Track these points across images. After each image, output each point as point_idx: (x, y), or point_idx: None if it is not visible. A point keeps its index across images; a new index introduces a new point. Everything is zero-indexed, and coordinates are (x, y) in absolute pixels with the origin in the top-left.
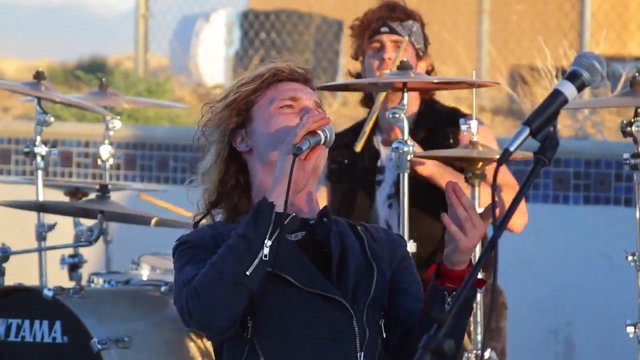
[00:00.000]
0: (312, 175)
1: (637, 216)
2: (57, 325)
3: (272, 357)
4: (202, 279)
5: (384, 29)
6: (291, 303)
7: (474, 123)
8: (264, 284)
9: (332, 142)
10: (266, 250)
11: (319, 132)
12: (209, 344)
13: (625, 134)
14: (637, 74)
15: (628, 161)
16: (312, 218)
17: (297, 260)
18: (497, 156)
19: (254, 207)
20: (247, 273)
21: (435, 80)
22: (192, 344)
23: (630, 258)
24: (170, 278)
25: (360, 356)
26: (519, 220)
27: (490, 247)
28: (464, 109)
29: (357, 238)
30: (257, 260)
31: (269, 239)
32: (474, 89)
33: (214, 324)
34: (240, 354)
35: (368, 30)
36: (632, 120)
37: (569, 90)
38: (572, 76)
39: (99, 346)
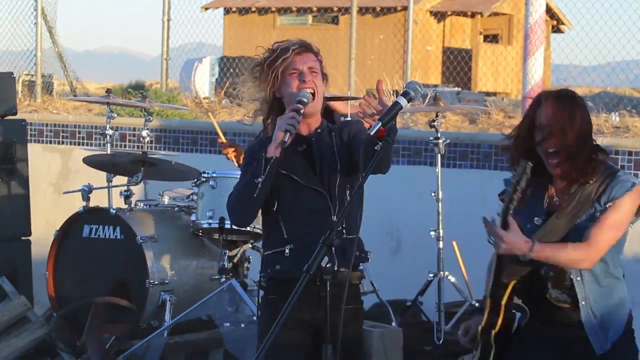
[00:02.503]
0: (310, 115)
1: (438, 171)
2: (117, 229)
3: (286, 222)
4: (231, 196)
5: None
6: (296, 191)
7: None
8: (278, 182)
9: (315, 98)
10: (262, 178)
11: (306, 93)
12: (202, 239)
13: (430, 126)
14: (436, 94)
15: (432, 141)
16: (313, 135)
17: (300, 164)
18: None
19: (258, 157)
20: (254, 195)
21: (331, 96)
22: (192, 240)
23: (433, 195)
24: (180, 203)
25: (334, 218)
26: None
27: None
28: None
29: (330, 139)
30: (259, 186)
31: (263, 173)
32: (349, 101)
33: (238, 224)
34: (270, 222)
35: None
36: (434, 119)
37: (403, 101)
38: (405, 94)
39: (140, 241)
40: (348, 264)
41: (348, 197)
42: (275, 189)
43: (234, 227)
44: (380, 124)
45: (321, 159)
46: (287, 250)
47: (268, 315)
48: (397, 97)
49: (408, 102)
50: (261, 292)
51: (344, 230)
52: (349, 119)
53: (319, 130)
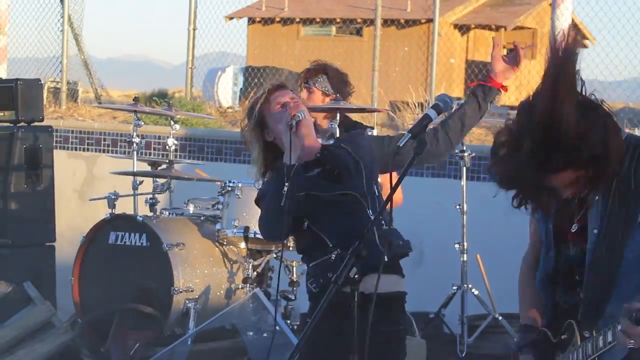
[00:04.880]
0: (306, 136)
1: (463, 184)
2: (144, 236)
3: (325, 232)
4: (261, 215)
5: (303, 84)
6: (324, 205)
7: (375, 131)
8: (304, 206)
9: (304, 117)
10: (285, 188)
11: (298, 113)
12: (228, 249)
13: None
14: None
15: (457, 154)
16: (316, 155)
17: (318, 182)
18: None
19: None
20: (280, 204)
21: (355, 107)
22: (216, 248)
23: (458, 207)
24: (205, 212)
25: (369, 212)
26: (400, 195)
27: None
28: (365, 123)
29: (345, 151)
30: (285, 191)
31: (287, 181)
32: (375, 113)
33: (272, 237)
34: (306, 236)
35: (302, 81)
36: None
37: (433, 114)
38: (435, 106)
39: (166, 248)
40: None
41: (376, 192)
42: (303, 210)
43: (257, 236)
44: (410, 135)
45: (339, 165)
46: (333, 257)
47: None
48: (427, 109)
49: (438, 115)
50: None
51: (383, 222)
52: (362, 130)
53: (325, 151)
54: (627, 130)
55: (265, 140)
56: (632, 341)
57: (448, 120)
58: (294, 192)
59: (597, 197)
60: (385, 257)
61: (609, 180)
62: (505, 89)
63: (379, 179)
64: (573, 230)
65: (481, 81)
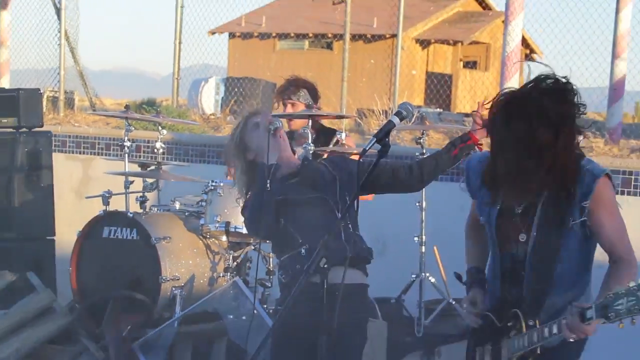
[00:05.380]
0: (282, 144)
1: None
2: (134, 230)
3: (297, 230)
4: (246, 213)
5: (287, 99)
6: (299, 206)
7: (343, 134)
8: (281, 208)
9: (281, 126)
10: (269, 182)
11: (276, 121)
12: (210, 242)
13: (417, 143)
14: (422, 114)
15: (417, 157)
16: (296, 168)
17: (295, 188)
18: (356, 151)
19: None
20: (261, 201)
21: (324, 114)
22: (200, 241)
23: (417, 204)
24: (190, 208)
25: (338, 215)
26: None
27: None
28: (335, 128)
29: (323, 167)
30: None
31: (269, 178)
32: (343, 120)
33: (257, 233)
34: (281, 234)
35: (281, 97)
36: (420, 136)
37: (396, 120)
38: (398, 113)
39: (155, 241)
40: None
41: (348, 200)
42: (279, 212)
43: (238, 230)
44: (375, 139)
45: (317, 175)
46: (303, 251)
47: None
48: (390, 116)
49: (400, 121)
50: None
51: (349, 225)
52: (341, 146)
53: (305, 163)
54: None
55: (247, 159)
56: (574, 335)
57: (425, 159)
58: (274, 194)
59: (538, 207)
60: (349, 252)
61: (553, 190)
62: (480, 147)
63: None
64: (522, 240)
65: (463, 136)
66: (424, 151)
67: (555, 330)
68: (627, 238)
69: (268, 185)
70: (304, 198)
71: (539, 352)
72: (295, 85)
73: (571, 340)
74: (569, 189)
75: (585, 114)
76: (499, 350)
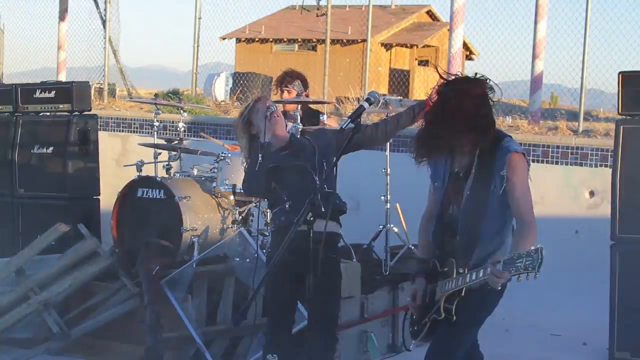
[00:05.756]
0: (277, 124)
1: (387, 154)
2: (162, 191)
3: (284, 190)
4: (244, 179)
5: (284, 87)
6: (287, 172)
7: (325, 116)
8: (273, 174)
9: (276, 110)
10: (260, 158)
11: (271, 106)
12: (221, 200)
13: None
14: (386, 101)
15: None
16: (286, 142)
17: (285, 158)
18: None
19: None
20: (255, 169)
21: (312, 100)
22: (213, 200)
23: (383, 170)
24: (205, 174)
25: (316, 179)
26: None
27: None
28: (320, 110)
29: (307, 141)
30: (260, 160)
31: (260, 152)
32: (325, 105)
33: (251, 193)
34: (273, 194)
35: (279, 85)
36: (385, 118)
37: (366, 105)
38: (367, 100)
39: (177, 199)
40: (328, 211)
41: (325, 167)
42: (271, 177)
43: (242, 191)
44: (349, 120)
45: (302, 148)
46: (287, 206)
47: (275, 251)
48: (361, 101)
49: (369, 105)
50: (269, 237)
51: (325, 186)
52: (322, 125)
53: (292, 139)
54: (499, 120)
55: (251, 134)
56: (498, 281)
57: (389, 118)
58: (267, 164)
59: (470, 173)
60: (323, 208)
61: (478, 161)
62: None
63: None
64: (456, 198)
65: (421, 103)
66: None
67: (474, 277)
68: (530, 203)
69: (260, 158)
70: (290, 166)
71: (462, 294)
72: (291, 76)
73: (499, 288)
74: (487, 164)
75: (494, 100)
76: (434, 289)
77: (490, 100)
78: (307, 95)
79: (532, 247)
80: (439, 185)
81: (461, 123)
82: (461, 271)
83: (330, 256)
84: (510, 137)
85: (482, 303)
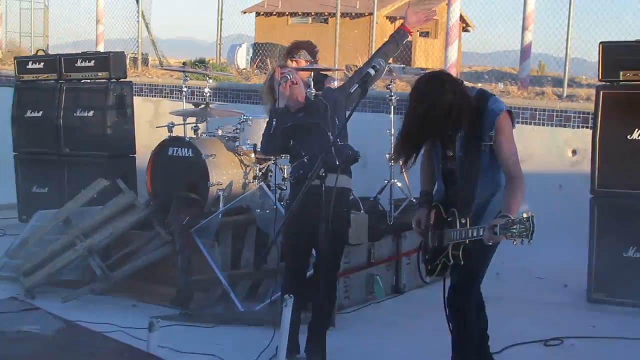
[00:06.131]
0: (291, 89)
1: (391, 117)
2: (190, 150)
3: (302, 146)
4: (262, 141)
5: (290, 58)
6: (303, 131)
7: (335, 82)
8: (291, 132)
9: (291, 78)
10: (274, 122)
11: (287, 74)
12: (243, 157)
13: (387, 88)
14: (390, 68)
15: (388, 98)
16: (302, 105)
17: (301, 119)
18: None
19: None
20: (270, 132)
21: (323, 67)
22: (236, 157)
23: (387, 131)
24: (229, 134)
25: (330, 135)
26: None
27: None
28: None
29: (320, 101)
30: (274, 124)
31: (275, 118)
32: (335, 71)
33: (267, 154)
34: (293, 150)
35: (287, 57)
36: (389, 83)
37: (372, 71)
38: (373, 67)
39: (204, 157)
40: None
41: (337, 121)
42: (290, 135)
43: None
44: (357, 85)
45: (316, 108)
46: (305, 160)
47: (293, 200)
48: (368, 68)
49: (374, 72)
50: (286, 191)
51: (338, 140)
52: (329, 87)
53: (307, 101)
54: (492, 86)
55: (274, 99)
56: (491, 241)
57: (375, 54)
58: (282, 126)
59: (459, 135)
60: (337, 161)
61: (464, 124)
62: (411, 34)
63: None
64: (449, 155)
65: (399, 27)
66: (392, 94)
67: (475, 234)
68: (516, 159)
69: (274, 122)
70: (306, 125)
71: (467, 242)
72: (296, 47)
73: (490, 243)
74: (476, 125)
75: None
76: (442, 234)
77: (460, 91)
78: (316, 62)
79: (525, 215)
80: (435, 148)
81: (435, 125)
82: (463, 221)
83: (341, 210)
84: (494, 96)
85: (484, 250)
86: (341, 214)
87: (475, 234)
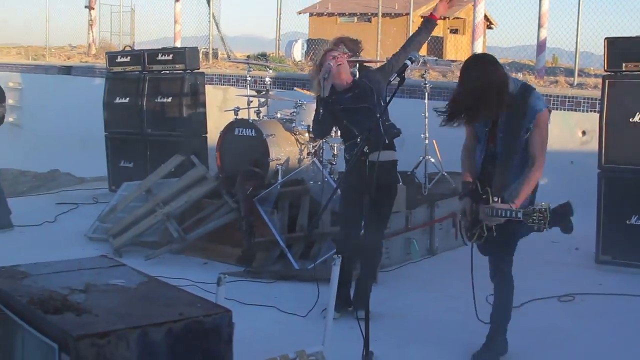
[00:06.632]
0: (338, 69)
1: (426, 102)
2: (253, 130)
3: (354, 126)
4: (313, 125)
5: (330, 53)
6: (355, 113)
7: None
8: (342, 111)
9: (334, 67)
10: (321, 108)
11: (330, 64)
12: (299, 137)
13: (422, 77)
14: (424, 60)
15: (423, 86)
16: (349, 86)
17: (350, 100)
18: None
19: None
20: (319, 118)
21: (367, 60)
22: (292, 136)
23: (422, 114)
24: (286, 117)
25: (377, 116)
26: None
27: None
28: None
29: (365, 84)
30: (321, 112)
31: (321, 105)
32: (377, 63)
33: (317, 137)
34: (345, 129)
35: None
36: (424, 73)
37: (408, 62)
38: (409, 59)
39: (265, 136)
40: (390, 140)
41: (382, 103)
42: (343, 117)
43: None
44: (396, 74)
45: (363, 90)
46: (358, 140)
47: (348, 176)
48: (405, 60)
49: (411, 63)
50: (336, 166)
51: (384, 119)
52: (371, 68)
53: (353, 83)
54: (512, 75)
55: (320, 88)
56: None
57: (409, 40)
58: (326, 113)
59: (500, 120)
60: (386, 140)
61: (505, 109)
62: (437, 23)
63: None
64: (491, 143)
65: (427, 15)
66: (426, 82)
67: (504, 214)
68: (543, 148)
69: (321, 110)
70: (356, 107)
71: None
72: (335, 43)
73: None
74: (518, 116)
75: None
76: (477, 209)
77: (504, 75)
78: (358, 53)
79: (543, 206)
80: (480, 126)
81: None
82: (495, 199)
83: (391, 179)
84: (535, 91)
85: (516, 227)
86: (391, 184)
87: (504, 215)
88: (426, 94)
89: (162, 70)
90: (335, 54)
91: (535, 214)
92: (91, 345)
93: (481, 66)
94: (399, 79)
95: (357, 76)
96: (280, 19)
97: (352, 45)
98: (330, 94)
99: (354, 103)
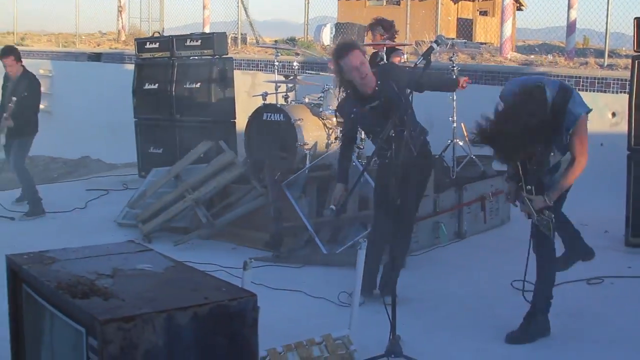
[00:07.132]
0: (363, 82)
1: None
2: (281, 115)
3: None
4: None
5: (369, 31)
6: (374, 117)
7: (405, 55)
8: (365, 118)
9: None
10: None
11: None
12: (326, 121)
13: (450, 60)
14: (453, 43)
15: (451, 68)
16: (373, 91)
17: (376, 114)
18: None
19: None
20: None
21: (396, 43)
22: (320, 121)
23: (450, 97)
24: (314, 102)
25: (397, 120)
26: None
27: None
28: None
29: (389, 86)
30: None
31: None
32: (406, 46)
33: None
34: (375, 140)
35: (368, 30)
36: (452, 56)
37: (435, 45)
38: (436, 41)
39: (293, 121)
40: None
41: (406, 98)
42: (372, 121)
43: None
44: (422, 57)
45: (388, 97)
46: (388, 154)
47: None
48: (431, 43)
49: (437, 46)
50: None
51: (405, 117)
52: (385, 63)
53: (377, 88)
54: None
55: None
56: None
57: (441, 85)
58: (359, 110)
59: None
60: (415, 152)
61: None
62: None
63: None
64: None
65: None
66: (454, 65)
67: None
68: (584, 149)
69: (352, 115)
70: (385, 113)
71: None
72: (375, 23)
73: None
74: (560, 120)
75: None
76: (519, 189)
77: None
78: (394, 35)
79: (552, 217)
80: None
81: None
82: (529, 188)
83: (428, 163)
84: (574, 95)
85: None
86: (428, 166)
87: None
88: (454, 76)
89: (190, 56)
90: (357, 64)
91: (545, 221)
92: (117, 329)
93: (535, 106)
94: (424, 62)
95: (385, 59)
96: (308, 3)
97: (388, 27)
98: (354, 100)
99: (378, 118)
